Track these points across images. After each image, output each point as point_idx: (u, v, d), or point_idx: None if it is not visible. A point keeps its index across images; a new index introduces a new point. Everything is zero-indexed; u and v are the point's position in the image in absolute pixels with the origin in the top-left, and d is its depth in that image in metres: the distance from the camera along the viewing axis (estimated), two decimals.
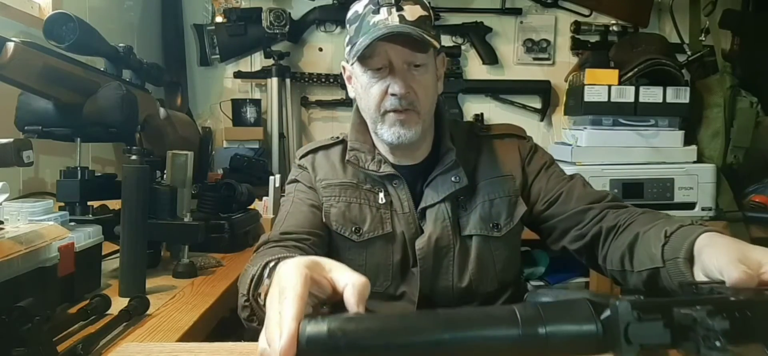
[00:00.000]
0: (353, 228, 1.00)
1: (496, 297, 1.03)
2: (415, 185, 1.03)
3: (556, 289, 0.60)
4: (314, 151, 1.09)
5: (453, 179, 1.00)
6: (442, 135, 1.05)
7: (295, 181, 1.08)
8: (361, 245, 1.01)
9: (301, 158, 1.09)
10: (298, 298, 0.49)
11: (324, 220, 1.01)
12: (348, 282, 0.53)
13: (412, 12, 0.94)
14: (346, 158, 1.04)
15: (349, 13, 1.00)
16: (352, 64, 0.99)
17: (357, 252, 1.01)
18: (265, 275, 0.68)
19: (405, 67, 0.95)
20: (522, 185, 1.05)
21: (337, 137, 1.10)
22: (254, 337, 0.56)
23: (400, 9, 0.93)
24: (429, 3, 1.00)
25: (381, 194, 1.02)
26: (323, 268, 0.56)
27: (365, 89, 0.99)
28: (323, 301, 0.54)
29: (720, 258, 0.63)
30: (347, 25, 1.01)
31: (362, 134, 1.05)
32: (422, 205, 1.01)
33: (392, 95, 0.95)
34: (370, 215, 1.01)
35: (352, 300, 0.51)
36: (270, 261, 0.69)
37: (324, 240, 1.00)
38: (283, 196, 1.09)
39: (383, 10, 0.93)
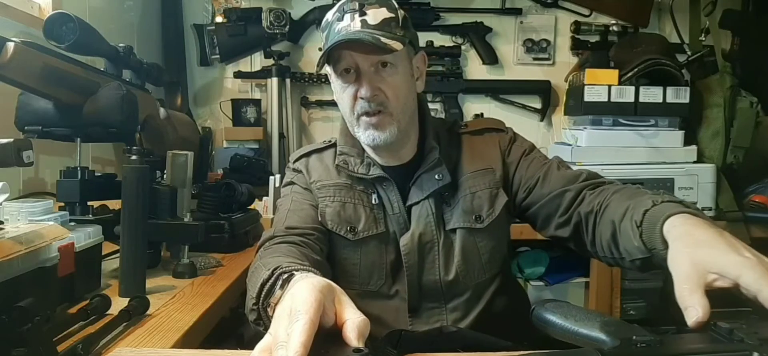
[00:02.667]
0: (348, 227, 1.02)
1: (486, 287, 1.05)
2: (405, 185, 1.05)
3: (563, 304, 0.59)
4: (307, 154, 1.11)
5: (437, 177, 1.02)
6: (426, 134, 1.06)
7: (291, 183, 1.10)
8: (356, 244, 1.02)
9: (294, 161, 1.12)
10: (310, 324, 0.51)
11: (320, 220, 1.03)
12: (349, 318, 0.54)
13: (376, 16, 0.95)
14: (336, 162, 1.06)
15: (322, 22, 1.02)
16: (318, 71, 1.01)
17: (352, 251, 1.03)
18: (278, 286, 0.69)
19: (372, 69, 0.97)
20: (503, 176, 1.06)
21: (329, 141, 1.12)
22: (255, 339, 0.56)
23: (362, 14, 0.95)
24: (396, 3, 1.02)
25: (374, 196, 1.04)
26: (335, 296, 0.58)
27: (339, 94, 1.02)
28: (323, 330, 0.55)
29: (679, 282, 0.61)
30: (321, 33, 1.03)
31: (351, 138, 1.06)
32: (408, 203, 1.03)
33: (361, 98, 0.97)
34: (364, 215, 1.03)
35: (350, 335, 0.53)
36: (283, 273, 0.70)
37: (326, 237, 1.02)
38: (280, 199, 1.11)
39: (346, 17, 0.96)
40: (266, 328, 0.72)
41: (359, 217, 1.02)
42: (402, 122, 1.00)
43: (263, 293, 0.71)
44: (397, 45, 0.93)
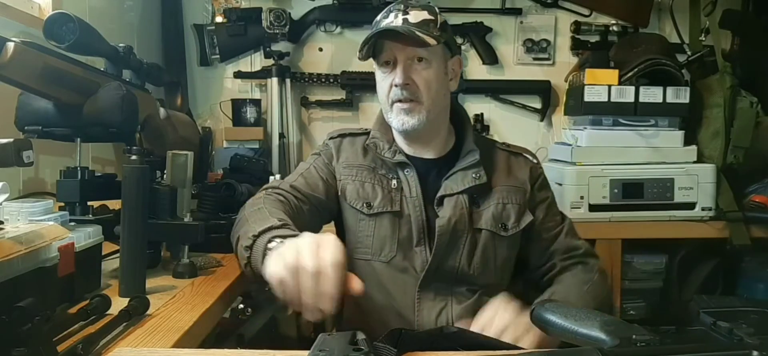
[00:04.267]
0: (365, 203, 1.13)
1: (494, 291, 1.10)
2: (428, 175, 1.15)
3: (563, 305, 0.60)
4: (343, 136, 1.23)
5: (473, 175, 1.12)
6: (466, 136, 1.17)
7: (318, 154, 1.22)
8: (371, 217, 1.12)
9: (330, 138, 1.23)
10: (339, 280, 0.71)
11: (339, 194, 1.15)
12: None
13: (417, 16, 1.07)
14: (366, 142, 1.18)
15: (373, 22, 1.15)
16: (360, 58, 1.12)
17: (367, 224, 1.13)
18: (277, 239, 0.84)
19: (408, 62, 1.09)
20: (528, 200, 1.16)
21: (365, 129, 1.24)
22: (255, 340, 0.56)
23: (405, 13, 1.08)
24: (438, 10, 1.13)
25: (394, 181, 1.14)
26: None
27: (378, 83, 1.15)
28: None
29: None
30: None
31: (384, 126, 1.19)
32: (441, 193, 1.12)
33: (395, 85, 1.09)
34: (381, 194, 1.13)
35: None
36: (287, 233, 0.85)
37: (322, 211, 1.15)
38: (302, 161, 1.24)
39: (391, 15, 1.09)
40: (251, 262, 0.90)
41: (376, 195, 1.13)
42: (432, 112, 1.11)
43: (269, 236, 0.85)
44: (431, 40, 1.05)
